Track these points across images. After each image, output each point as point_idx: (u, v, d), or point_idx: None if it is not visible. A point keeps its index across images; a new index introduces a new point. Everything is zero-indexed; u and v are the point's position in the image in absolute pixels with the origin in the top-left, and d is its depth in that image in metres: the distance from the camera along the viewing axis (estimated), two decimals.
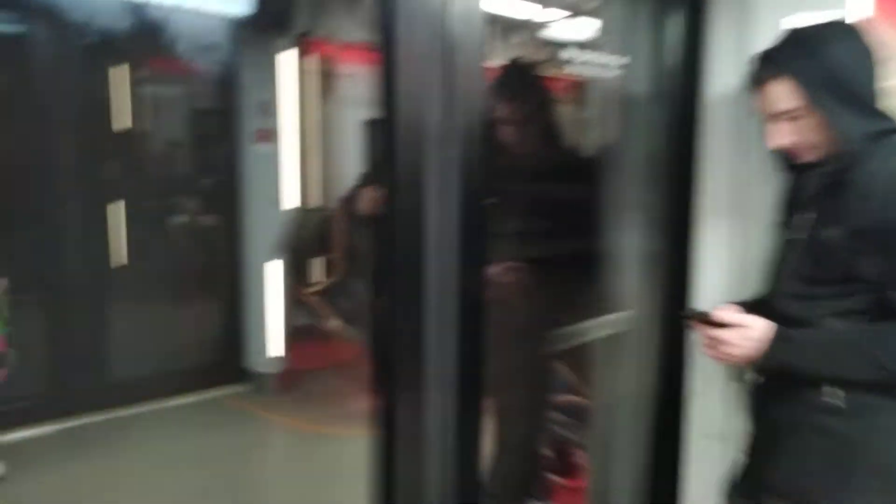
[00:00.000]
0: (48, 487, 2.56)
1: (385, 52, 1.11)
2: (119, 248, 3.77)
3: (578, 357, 2.15)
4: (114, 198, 3.80)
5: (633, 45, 1.78)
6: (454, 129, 1.17)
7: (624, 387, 1.90)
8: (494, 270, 1.81)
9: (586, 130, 2.17)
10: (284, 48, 3.65)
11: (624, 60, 1.80)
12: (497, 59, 2.08)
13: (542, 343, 2.06)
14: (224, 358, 4.04)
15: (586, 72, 1.85)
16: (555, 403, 2.34)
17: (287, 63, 3.66)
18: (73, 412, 3.34)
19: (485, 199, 1.22)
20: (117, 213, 3.80)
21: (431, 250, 1.15)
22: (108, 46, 3.65)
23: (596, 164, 1.95)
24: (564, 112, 2.28)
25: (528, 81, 2.08)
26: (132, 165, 4.17)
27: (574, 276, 1.97)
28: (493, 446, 2.09)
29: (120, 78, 3.65)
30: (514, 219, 1.94)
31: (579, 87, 2.08)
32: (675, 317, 1.63)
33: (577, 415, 2.33)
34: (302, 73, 3.73)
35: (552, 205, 1.96)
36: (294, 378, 3.94)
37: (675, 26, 1.70)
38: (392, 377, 1.20)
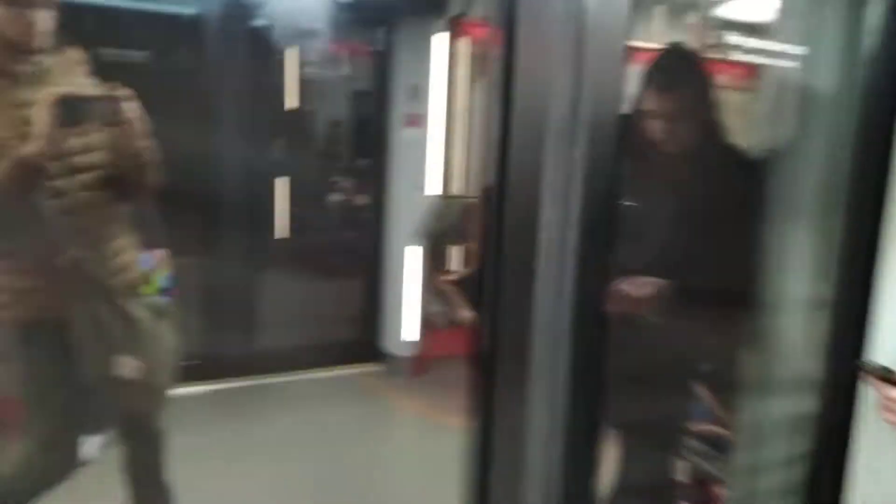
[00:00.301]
0: (190, 445, 2.78)
1: (505, 27, 1.00)
2: (283, 221, 4.03)
3: (723, 382, 1.94)
4: (279, 173, 4.07)
5: (820, 29, 1.52)
6: (582, 124, 1.04)
7: (773, 431, 1.66)
8: (626, 285, 1.66)
9: (753, 130, 1.92)
10: (438, 31, 3.64)
11: (806, 46, 1.55)
12: (653, 42, 1.89)
13: (681, 366, 1.87)
14: (362, 337, 4.18)
15: (758, 59, 1.62)
16: (693, 431, 2.13)
17: (439, 46, 3.65)
18: (221, 376, 3.62)
19: (614, 204, 1.08)
20: (283, 188, 4.05)
21: (545, 257, 1.04)
22: (276, 28, 3.86)
23: (760, 170, 1.72)
24: (729, 106, 2.04)
25: (687, 70, 1.86)
26: (296, 144, 4.44)
27: (725, 300, 1.75)
28: (617, 470, 1.94)
29: (291, 59, 3.84)
30: (655, 228, 1.77)
31: (748, 77, 1.84)
32: (847, 367, 1.35)
33: (718, 446, 2.11)
34: (453, 56, 3.71)
35: (704, 215, 1.75)
36: (425, 364, 3.98)
37: (875, 4, 1.42)
38: (494, 380, 1.11)
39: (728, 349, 1.89)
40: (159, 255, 2.93)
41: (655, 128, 1.77)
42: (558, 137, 1.02)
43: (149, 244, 2.74)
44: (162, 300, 2.05)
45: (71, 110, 1.62)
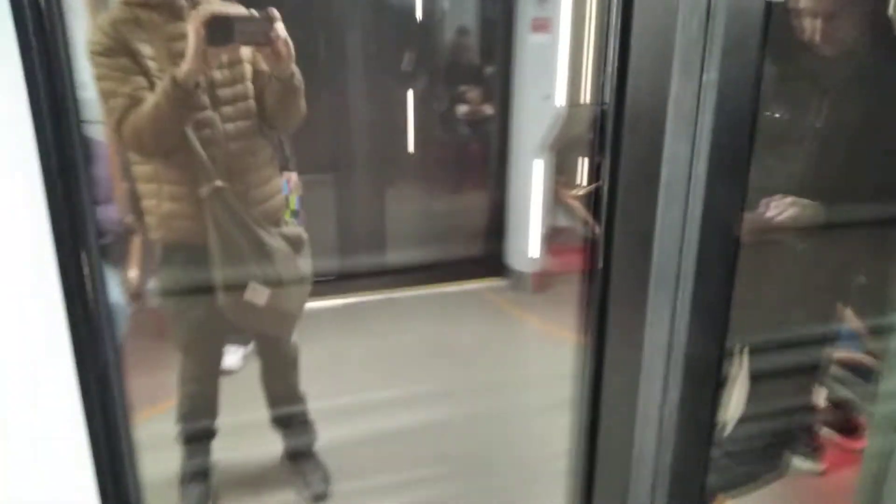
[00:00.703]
0: (324, 356, 3.02)
1: None
2: (406, 136, 4.10)
3: (872, 305, 1.80)
4: (406, 87, 4.11)
5: None
6: (714, 37, 0.95)
7: None
8: (767, 208, 1.55)
9: None
10: None
11: None
12: None
13: (825, 289, 1.75)
14: (487, 252, 4.24)
15: None
16: (837, 358, 2.02)
17: None
18: (354, 290, 3.85)
19: (748, 130, 1.00)
20: (406, 102, 4.10)
21: (669, 176, 0.99)
22: None
23: None
24: None
25: None
26: (425, 54, 4.43)
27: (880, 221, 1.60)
28: (747, 395, 1.90)
29: None
30: (807, 143, 1.62)
31: None
32: None
33: (863, 374, 1.99)
34: None
35: (864, 129, 1.57)
36: (550, 280, 4.00)
37: None
38: (607, 299, 1.09)
39: (878, 270, 1.75)
40: (294, 178, 3.10)
41: (810, 26, 1.59)
42: (689, 26, 0.94)
43: (284, 167, 2.91)
44: (299, 230, 2.15)
45: (223, 28, 1.68)
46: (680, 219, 1.00)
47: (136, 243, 2.65)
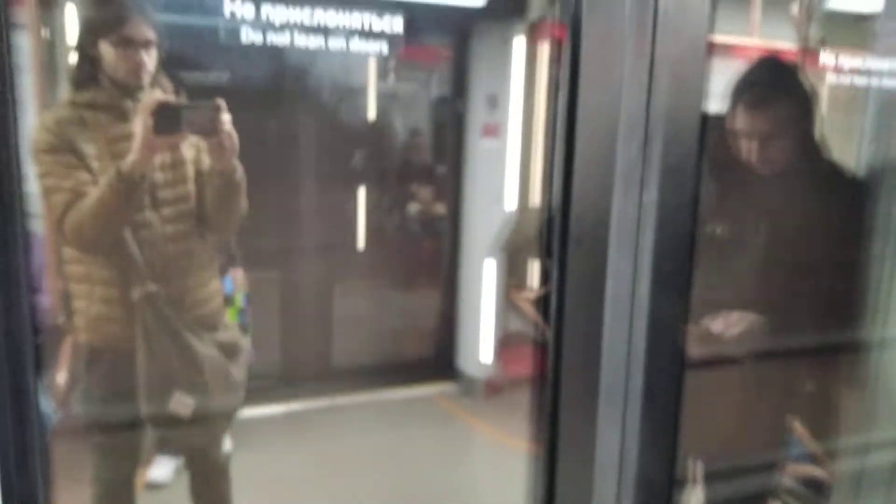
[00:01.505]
0: (265, 466, 2.91)
1: (571, 25, 1.00)
2: (355, 233, 4.15)
3: (822, 420, 1.86)
4: (356, 184, 4.19)
5: None
6: (656, 135, 1.02)
7: (877, 475, 1.58)
8: (714, 322, 1.62)
9: (860, 145, 1.83)
10: (516, 36, 3.65)
11: None
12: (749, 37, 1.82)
13: (775, 402, 1.81)
14: (437, 355, 4.23)
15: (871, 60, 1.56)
16: (786, 470, 2.05)
17: (517, 53, 3.67)
18: (296, 396, 3.76)
19: (688, 246, 1.07)
20: (356, 200, 4.18)
21: (613, 304, 1.04)
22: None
23: (866, 192, 1.64)
24: (833, 118, 1.95)
25: (783, 85, 1.79)
26: (375, 153, 4.56)
27: (824, 333, 1.69)
28: None
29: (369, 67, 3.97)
30: (746, 258, 1.72)
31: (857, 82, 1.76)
32: None
33: (815, 487, 2.01)
34: (532, 62, 3.71)
35: (801, 242, 1.68)
36: (502, 385, 3.99)
37: None
38: (559, 409, 1.11)
39: (828, 385, 1.82)
40: (239, 275, 3.08)
41: (746, 148, 1.72)
42: (628, 149, 1.02)
43: (229, 264, 2.89)
44: (236, 336, 2.13)
45: (170, 117, 1.71)
46: (626, 334, 1.04)
47: (66, 345, 2.57)
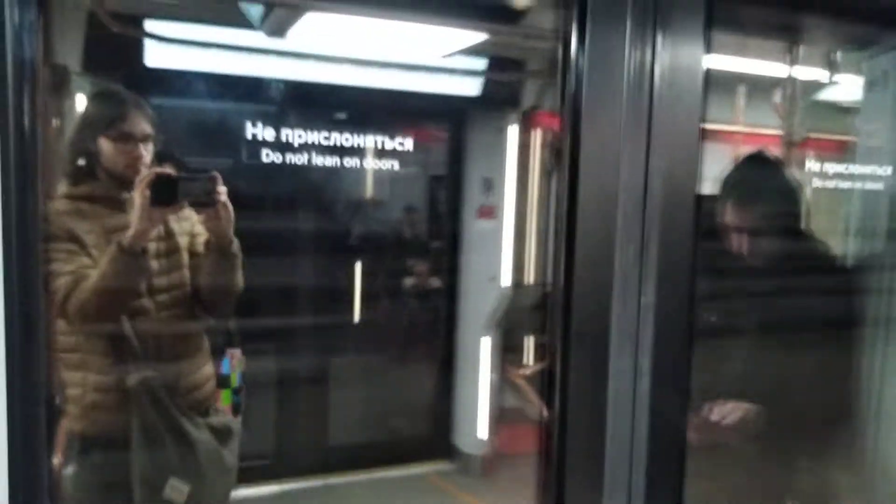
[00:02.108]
0: None
1: (569, 116, 1.07)
2: (352, 307, 4.16)
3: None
4: (352, 258, 4.24)
5: None
6: (653, 220, 1.07)
7: None
8: (711, 413, 1.64)
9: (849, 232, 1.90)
10: (510, 124, 3.79)
11: None
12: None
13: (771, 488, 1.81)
14: (434, 432, 4.19)
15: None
16: None
17: (511, 139, 3.80)
18: (292, 475, 3.70)
19: (688, 344, 1.11)
20: (354, 274, 4.21)
21: (615, 399, 1.07)
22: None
23: (855, 279, 1.70)
24: (819, 205, 2.03)
25: (769, 182, 1.87)
26: (373, 229, 4.63)
27: (819, 419, 1.71)
28: None
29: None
30: (741, 345, 1.76)
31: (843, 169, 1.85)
32: None
33: None
34: (526, 147, 3.84)
35: (793, 330, 1.73)
36: (499, 462, 3.94)
37: None
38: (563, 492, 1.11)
39: (823, 470, 1.83)
40: (237, 355, 3.08)
41: (736, 240, 1.79)
42: (626, 251, 1.07)
43: (226, 345, 2.90)
44: (228, 421, 2.12)
45: (167, 189, 1.76)
46: (628, 433, 1.07)
47: (62, 427, 2.55)
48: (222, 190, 1.81)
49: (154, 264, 1.90)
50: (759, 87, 3.89)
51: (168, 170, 1.89)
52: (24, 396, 0.98)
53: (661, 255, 1.09)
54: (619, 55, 1.08)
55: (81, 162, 1.89)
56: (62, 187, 1.94)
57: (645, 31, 1.08)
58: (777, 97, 4.00)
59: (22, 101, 1.00)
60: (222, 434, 2.05)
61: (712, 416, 1.60)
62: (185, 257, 1.98)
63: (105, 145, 1.87)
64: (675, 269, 1.10)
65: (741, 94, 4.00)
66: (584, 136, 1.08)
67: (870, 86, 1.79)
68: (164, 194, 1.76)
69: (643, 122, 1.09)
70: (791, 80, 3.83)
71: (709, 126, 1.15)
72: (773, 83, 3.88)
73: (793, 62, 3.40)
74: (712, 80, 1.15)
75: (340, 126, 4.00)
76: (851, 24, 1.67)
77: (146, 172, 1.78)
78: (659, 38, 1.10)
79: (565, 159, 1.09)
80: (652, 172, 1.10)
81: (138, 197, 1.74)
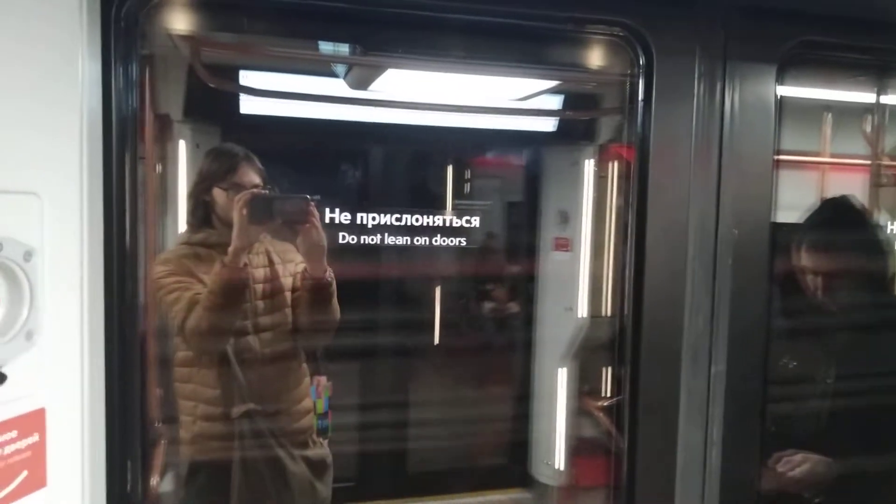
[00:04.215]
0: None
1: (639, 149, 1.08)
2: (433, 329, 4.21)
3: None
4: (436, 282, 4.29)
5: None
6: (720, 329, 1.08)
7: None
8: (781, 464, 1.58)
9: None
10: (587, 157, 3.77)
11: None
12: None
13: None
14: (511, 461, 4.17)
15: None
16: None
17: (587, 173, 3.78)
18: (369, 498, 3.77)
19: (760, 414, 1.09)
20: (434, 296, 4.27)
21: (684, 470, 1.07)
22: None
23: None
24: None
25: (852, 224, 1.81)
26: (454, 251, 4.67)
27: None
28: None
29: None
30: (817, 394, 1.69)
31: None
32: None
33: None
34: (602, 179, 3.81)
35: (872, 379, 1.65)
36: (576, 493, 3.89)
37: None
38: None
39: None
40: (323, 382, 3.20)
41: (812, 283, 1.74)
42: (696, 336, 1.07)
43: (314, 372, 3.02)
44: (324, 453, 2.20)
45: (263, 207, 1.89)
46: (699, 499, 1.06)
47: (160, 450, 2.71)
48: (315, 212, 1.92)
49: (259, 304, 2.03)
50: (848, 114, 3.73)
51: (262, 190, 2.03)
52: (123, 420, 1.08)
53: (732, 323, 1.09)
54: (689, 94, 1.08)
55: (199, 212, 2.05)
56: (183, 235, 2.11)
57: (714, 67, 1.08)
58: (867, 125, 3.82)
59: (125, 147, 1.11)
60: (317, 467, 2.15)
61: (780, 467, 1.56)
62: (288, 298, 2.10)
63: (219, 195, 2.02)
64: (746, 338, 1.09)
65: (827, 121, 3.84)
66: (651, 175, 1.09)
67: None
68: (260, 212, 1.89)
69: (714, 159, 1.09)
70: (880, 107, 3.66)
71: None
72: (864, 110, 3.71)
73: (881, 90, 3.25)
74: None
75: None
76: None
77: (243, 192, 1.92)
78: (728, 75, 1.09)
79: (634, 195, 1.10)
80: (723, 210, 1.10)
81: (236, 215, 1.88)
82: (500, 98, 2.82)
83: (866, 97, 3.17)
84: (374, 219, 3.47)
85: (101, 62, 1.03)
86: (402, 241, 3.65)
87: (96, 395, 1.03)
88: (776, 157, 1.11)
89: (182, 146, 3.06)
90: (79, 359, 1.00)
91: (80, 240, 0.99)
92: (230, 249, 1.90)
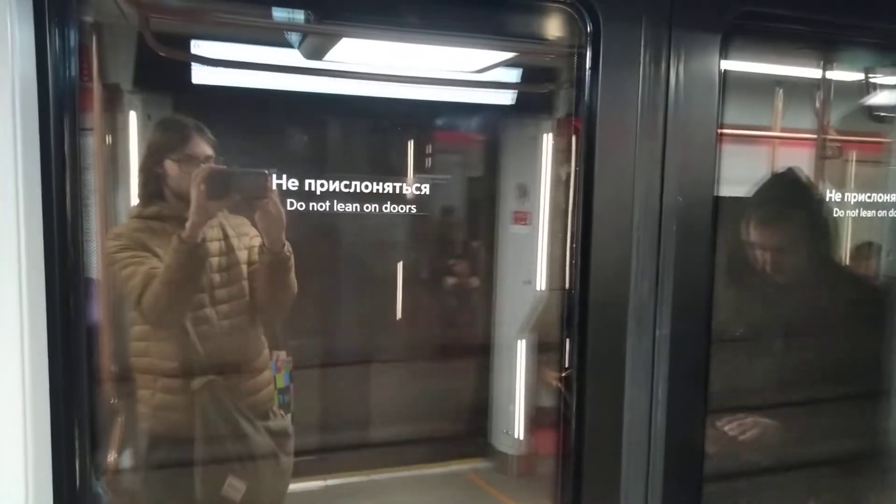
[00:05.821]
0: None
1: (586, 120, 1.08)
2: (394, 304, 4.21)
3: None
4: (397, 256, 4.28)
5: None
6: (664, 296, 1.10)
7: None
8: (730, 426, 1.64)
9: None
10: (545, 132, 3.78)
11: None
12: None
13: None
14: (470, 430, 4.22)
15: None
16: None
17: (546, 146, 3.79)
18: (332, 471, 3.79)
19: (704, 376, 1.12)
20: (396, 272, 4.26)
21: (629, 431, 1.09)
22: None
23: (885, 299, 1.67)
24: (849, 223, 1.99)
25: (799, 199, 1.85)
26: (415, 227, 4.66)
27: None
28: None
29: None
30: (764, 360, 1.75)
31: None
32: None
33: None
34: (560, 153, 3.82)
35: (817, 347, 1.71)
36: (535, 462, 3.96)
37: None
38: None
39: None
40: (281, 356, 3.18)
41: (761, 258, 1.78)
42: (640, 302, 1.08)
43: (273, 347, 2.99)
44: (285, 424, 2.20)
45: (221, 182, 1.86)
46: (644, 465, 1.08)
47: (117, 426, 2.67)
48: (272, 186, 1.90)
49: (216, 277, 2.01)
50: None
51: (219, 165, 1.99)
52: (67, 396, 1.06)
53: (676, 289, 1.11)
54: (635, 64, 1.09)
55: (151, 185, 2.01)
56: (135, 209, 2.06)
57: (660, 36, 1.08)
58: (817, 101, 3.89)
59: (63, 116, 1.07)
60: (279, 438, 2.16)
61: (730, 430, 1.61)
62: (244, 270, 2.08)
63: (171, 168, 1.98)
64: (690, 304, 1.11)
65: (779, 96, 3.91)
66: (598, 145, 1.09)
67: None
68: (218, 188, 1.86)
69: (659, 129, 1.10)
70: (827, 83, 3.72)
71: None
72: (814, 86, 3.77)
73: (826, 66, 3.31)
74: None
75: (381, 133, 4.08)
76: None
77: (201, 168, 1.88)
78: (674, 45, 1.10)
79: (581, 164, 1.11)
80: (668, 179, 1.11)
81: (194, 191, 1.84)
82: (457, 70, 2.79)
83: (812, 71, 3.22)
84: (322, 185, 3.43)
85: (33, 26, 0.99)
86: (351, 207, 3.61)
87: (38, 375, 1.00)
88: (720, 127, 1.12)
89: (133, 117, 2.97)
90: (18, 337, 0.97)
91: (16, 213, 0.96)
92: (188, 225, 1.87)
